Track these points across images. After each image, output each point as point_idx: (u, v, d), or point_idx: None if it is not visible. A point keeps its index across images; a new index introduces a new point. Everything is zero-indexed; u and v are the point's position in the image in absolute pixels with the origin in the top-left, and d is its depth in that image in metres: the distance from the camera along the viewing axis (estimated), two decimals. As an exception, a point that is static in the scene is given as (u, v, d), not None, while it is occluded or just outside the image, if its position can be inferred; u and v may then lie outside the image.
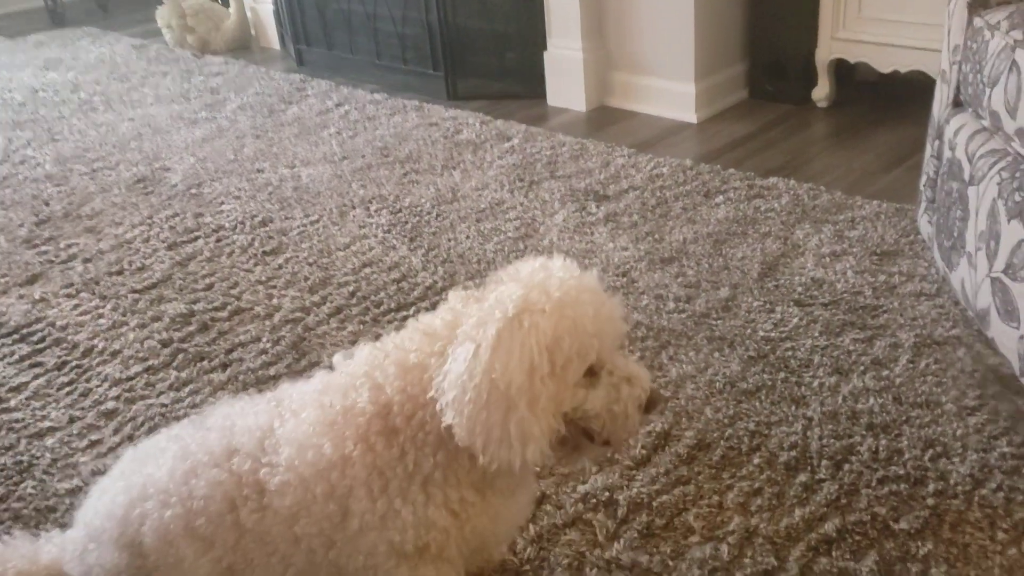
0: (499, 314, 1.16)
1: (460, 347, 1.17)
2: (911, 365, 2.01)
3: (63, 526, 1.70)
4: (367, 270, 2.60)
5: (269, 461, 1.28)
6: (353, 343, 2.26)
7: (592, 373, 1.22)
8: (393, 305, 2.42)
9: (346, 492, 1.24)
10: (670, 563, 1.57)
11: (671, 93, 3.60)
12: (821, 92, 3.56)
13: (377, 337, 2.25)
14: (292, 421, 1.29)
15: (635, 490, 1.72)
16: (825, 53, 3.47)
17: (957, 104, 2.24)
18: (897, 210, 2.67)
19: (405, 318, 2.35)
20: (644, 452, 1.82)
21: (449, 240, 2.74)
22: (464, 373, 1.15)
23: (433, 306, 2.38)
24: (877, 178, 2.97)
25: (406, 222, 2.87)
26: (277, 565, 1.30)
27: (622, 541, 1.61)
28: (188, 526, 1.31)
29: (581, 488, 1.74)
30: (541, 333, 1.15)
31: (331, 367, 1.36)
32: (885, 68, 3.33)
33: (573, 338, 1.17)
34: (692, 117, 3.57)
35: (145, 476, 1.37)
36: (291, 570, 1.30)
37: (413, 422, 1.23)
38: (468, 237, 2.74)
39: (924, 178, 2.41)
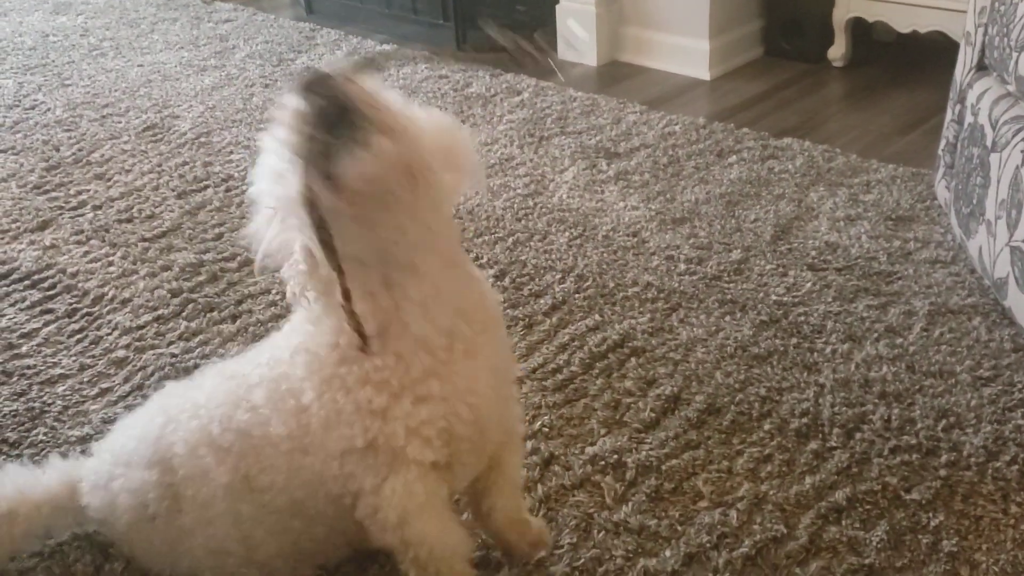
0: None
1: None
2: (925, 333, 2.00)
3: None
4: (377, 224, 2.58)
5: (260, 361, 1.32)
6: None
7: None
8: (403, 260, 2.40)
9: (299, 386, 1.25)
10: (678, 528, 1.57)
11: (684, 49, 3.55)
12: (837, 51, 3.51)
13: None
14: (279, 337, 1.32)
15: (644, 453, 1.72)
16: (843, 11, 3.42)
17: (981, 68, 2.21)
18: (913, 174, 2.65)
19: (415, 274, 2.34)
20: (653, 415, 1.82)
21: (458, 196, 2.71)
22: None
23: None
24: (893, 141, 2.94)
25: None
26: (270, 472, 1.30)
27: (630, 504, 1.62)
28: (207, 432, 1.33)
29: (589, 450, 1.74)
30: None
31: None
32: (904, 28, 3.29)
33: None
34: (705, 74, 3.53)
35: (187, 399, 1.40)
36: (280, 476, 1.30)
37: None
38: (477, 193, 2.72)
39: (943, 142, 2.39)
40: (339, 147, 1.00)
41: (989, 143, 2.02)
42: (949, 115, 2.35)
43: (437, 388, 1.22)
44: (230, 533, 1.37)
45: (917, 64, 3.49)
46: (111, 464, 1.46)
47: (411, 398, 1.22)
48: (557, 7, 3.76)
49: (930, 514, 1.57)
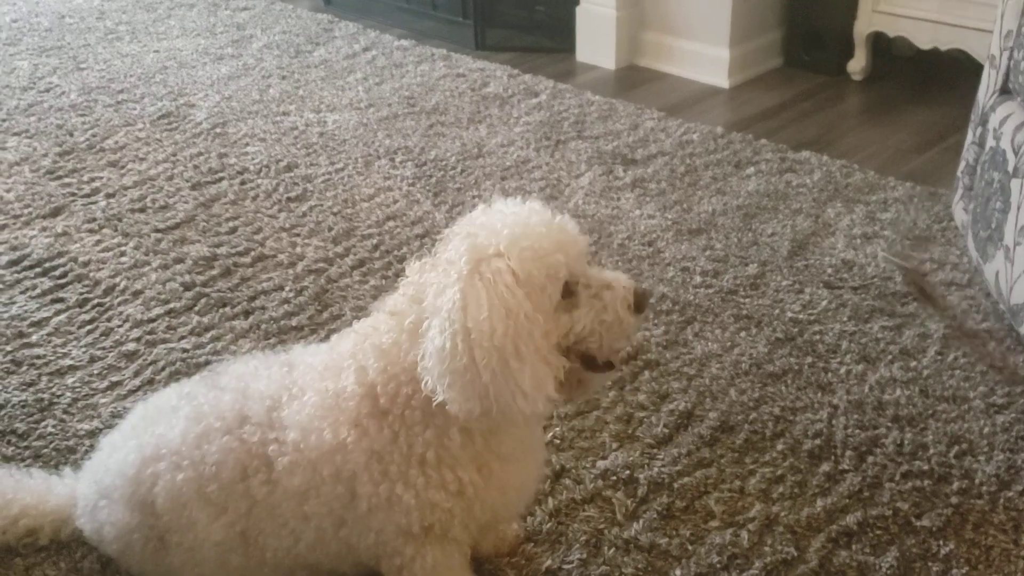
0: (455, 274, 1.15)
1: (432, 321, 1.16)
2: (939, 357, 1.99)
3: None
4: (391, 223, 2.58)
5: (277, 438, 1.29)
6: (375, 298, 2.24)
7: (569, 293, 1.21)
8: (417, 261, 2.39)
9: (351, 476, 1.25)
10: (689, 547, 1.57)
11: (704, 56, 3.54)
12: (857, 65, 3.50)
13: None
14: (296, 403, 1.29)
15: (656, 469, 1.72)
16: (864, 25, 3.40)
17: (1005, 91, 2.20)
18: (931, 194, 2.63)
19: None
20: (666, 431, 1.81)
21: (473, 197, 2.71)
22: (443, 345, 1.13)
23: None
24: (910, 158, 2.93)
25: (431, 176, 2.83)
26: (287, 537, 1.32)
27: (641, 521, 1.61)
28: (200, 490, 1.32)
29: (601, 464, 1.74)
30: (504, 273, 1.14)
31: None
32: (925, 44, 3.27)
33: (538, 264, 1.16)
34: (724, 82, 3.52)
35: (157, 436, 1.38)
36: (301, 543, 1.32)
37: (398, 401, 1.23)
38: (492, 195, 2.70)
39: (963, 164, 2.38)
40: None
41: (1011, 168, 2.01)
42: (970, 137, 2.34)
43: (495, 498, 1.30)
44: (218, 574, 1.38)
45: (936, 81, 3.47)
46: (95, 494, 1.46)
47: (477, 504, 1.28)
48: (577, 9, 3.74)
49: (940, 542, 1.57)
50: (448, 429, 1.21)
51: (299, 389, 1.30)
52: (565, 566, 1.54)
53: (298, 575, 1.37)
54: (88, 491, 1.48)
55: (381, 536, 1.29)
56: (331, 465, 1.25)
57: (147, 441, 1.38)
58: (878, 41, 3.48)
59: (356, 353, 1.26)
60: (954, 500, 1.65)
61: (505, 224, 1.18)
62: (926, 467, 1.71)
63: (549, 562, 1.55)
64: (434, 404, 1.18)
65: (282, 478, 1.28)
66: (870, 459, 1.73)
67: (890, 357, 2.00)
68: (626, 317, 1.22)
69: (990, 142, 2.17)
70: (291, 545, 1.32)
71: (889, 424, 1.82)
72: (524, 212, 1.20)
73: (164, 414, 1.40)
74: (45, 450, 1.81)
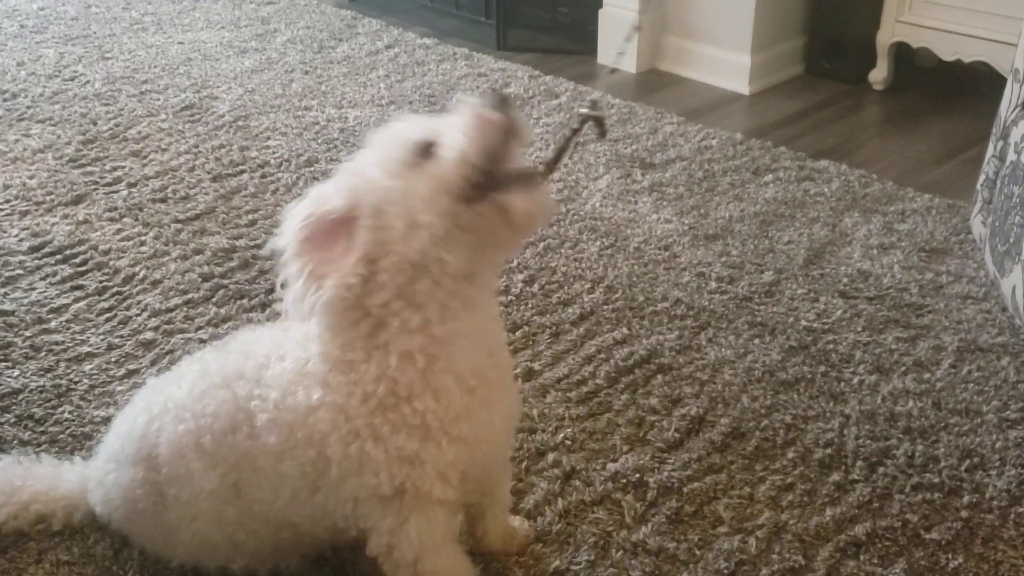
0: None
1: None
2: (953, 370, 1.99)
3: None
4: (409, 220, 2.58)
5: (260, 394, 1.30)
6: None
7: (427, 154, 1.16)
8: (434, 259, 2.40)
9: (321, 439, 1.24)
10: (697, 552, 1.57)
11: (725, 62, 3.54)
12: (879, 75, 3.49)
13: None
14: (279, 364, 1.30)
15: (666, 474, 1.72)
16: (887, 35, 3.40)
17: (1026, 107, 2.19)
18: (949, 206, 2.63)
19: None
20: (677, 435, 1.82)
21: (493, 196, 2.71)
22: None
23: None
24: (929, 169, 2.92)
25: (450, 174, 2.84)
26: (268, 491, 1.33)
27: (650, 525, 1.62)
28: (197, 441, 1.34)
29: (611, 466, 1.74)
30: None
31: None
32: (948, 56, 3.26)
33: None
34: (745, 88, 3.52)
35: (166, 395, 1.41)
36: (279, 502, 1.33)
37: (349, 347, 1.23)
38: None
39: (982, 177, 2.37)
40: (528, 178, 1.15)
41: (1031, 183, 2.01)
42: (991, 150, 2.33)
43: (466, 430, 1.25)
44: (213, 531, 1.39)
45: (957, 92, 3.46)
46: (105, 462, 1.50)
47: (444, 439, 1.24)
48: (600, 12, 3.75)
49: (949, 555, 1.57)
50: (387, 356, 1.19)
51: (285, 351, 1.31)
52: (573, 567, 1.55)
53: (283, 534, 1.38)
54: (99, 462, 1.53)
55: (360, 508, 1.27)
56: (304, 428, 1.25)
57: (155, 400, 1.42)
58: (900, 51, 3.47)
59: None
60: (964, 514, 1.65)
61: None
62: (937, 480, 1.71)
63: (557, 563, 1.56)
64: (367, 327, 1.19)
65: (261, 434, 1.29)
66: (880, 470, 1.74)
67: (904, 368, 2.00)
68: (487, 112, 1.14)
69: (1011, 156, 2.17)
70: (272, 500, 1.33)
71: (901, 436, 1.82)
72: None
73: (174, 379, 1.45)
74: (61, 436, 1.83)
